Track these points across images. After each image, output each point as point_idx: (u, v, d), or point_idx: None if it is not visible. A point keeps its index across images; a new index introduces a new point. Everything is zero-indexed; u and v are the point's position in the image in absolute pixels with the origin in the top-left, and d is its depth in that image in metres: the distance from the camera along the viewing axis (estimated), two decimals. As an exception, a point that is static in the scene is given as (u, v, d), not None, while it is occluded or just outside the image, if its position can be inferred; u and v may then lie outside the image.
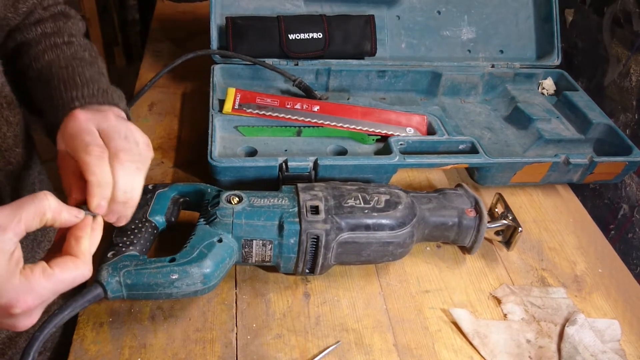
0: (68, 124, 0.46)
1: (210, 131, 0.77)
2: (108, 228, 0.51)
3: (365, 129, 0.85)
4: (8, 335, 0.58)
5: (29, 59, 0.57)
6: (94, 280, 0.55)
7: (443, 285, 0.69)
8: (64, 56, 0.58)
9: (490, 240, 0.75)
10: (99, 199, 0.43)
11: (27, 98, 0.58)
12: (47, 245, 0.56)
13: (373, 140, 0.85)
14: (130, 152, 0.45)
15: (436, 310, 0.66)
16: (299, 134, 0.84)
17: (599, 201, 0.99)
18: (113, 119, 0.47)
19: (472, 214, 0.68)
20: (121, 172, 0.44)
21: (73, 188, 0.45)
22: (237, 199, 0.62)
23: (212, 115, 0.80)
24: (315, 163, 0.73)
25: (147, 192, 0.65)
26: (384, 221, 0.62)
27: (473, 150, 0.81)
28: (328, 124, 0.85)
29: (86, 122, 0.45)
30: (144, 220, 0.62)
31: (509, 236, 0.73)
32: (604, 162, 0.81)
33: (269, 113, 0.85)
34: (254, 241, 0.61)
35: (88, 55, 0.60)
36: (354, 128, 0.85)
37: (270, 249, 0.61)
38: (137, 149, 0.46)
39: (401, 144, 0.80)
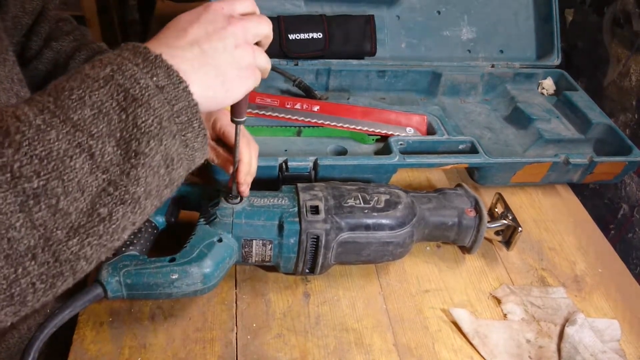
0: (219, 119, 0.60)
1: (210, 131, 0.77)
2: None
3: (365, 129, 0.85)
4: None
5: (77, 64, 0.67)
6: (94, 280, 0.55)
7: (443, 285, 0.69)
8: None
9: (490, 240, 0.75)
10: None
11: None
12: None
13: (373, 140, 0.85)
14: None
15: (436, 310, 0.66)
16: (299, 134, 0.84)
17: (599, 201, 0.99)
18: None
19: (472, 213, 0.68)
20: (254, 157, 0.61)
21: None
22: (237, 198, 0.62)
23: (212, 115, 0.80)
24: (315, 163, 0.73)
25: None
26: (383, 221, 0.62)
27: (473, 150, 0.81)
28: (328, 124, 0.85)
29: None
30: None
31: (508, 236, 0.73)
32: (604, 162, 0.81)
33: (269, 113, 0.85)
34: (254, 241, 0.61)
35: None
36: (354, 128, 0.85)
37: (270, 249, 0.61)
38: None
39: (401, 144, 0.80)
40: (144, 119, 0.35)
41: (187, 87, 0.38)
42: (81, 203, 0.33)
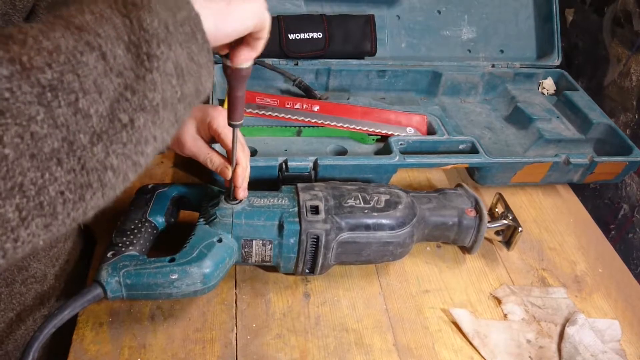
0: (215, 119, 0.60)
1: (210, 131, 0.77)
2: (107, 228, 0.51)
3: (365, 128, 0.85)
4: (3, 329, 0.58)
5: None
6: (94, 280, 0.55)
7: (443, 285, 0.69)
8: None
9: (490, 240, 0.75)
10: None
11: None
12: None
13: (373, 140, 0.85)
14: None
15: (436, 310, 0.66)
16: (299, 134, 0.84)
17: (599, 201, 0.99)
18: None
19: (472, 213, 0.68)
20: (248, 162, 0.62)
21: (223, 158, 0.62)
22: (236, 199, 0.62)
23: (212, 115, 0.80)
24: (315, 163, 0.73)
25: (147, 192, 0.65)
26: (384, 221, 0.62)
27: (473, 150, 0.81)
28: (328, 124, 0.85)
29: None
30: (143, 220, 0.61)
31: (509, 236, 0.73)
32: (605, 162, 0.81)
33: (269, 113, 0.85)
34: (254, 241, 0.61)
35: None
36: (354, 128, 0.85)
37: (270, 249, 0.61)
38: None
39: (401, 144, 0.80)
40: (148, 21, 0.34)
41: None
42: (100, 106, 0.32)
